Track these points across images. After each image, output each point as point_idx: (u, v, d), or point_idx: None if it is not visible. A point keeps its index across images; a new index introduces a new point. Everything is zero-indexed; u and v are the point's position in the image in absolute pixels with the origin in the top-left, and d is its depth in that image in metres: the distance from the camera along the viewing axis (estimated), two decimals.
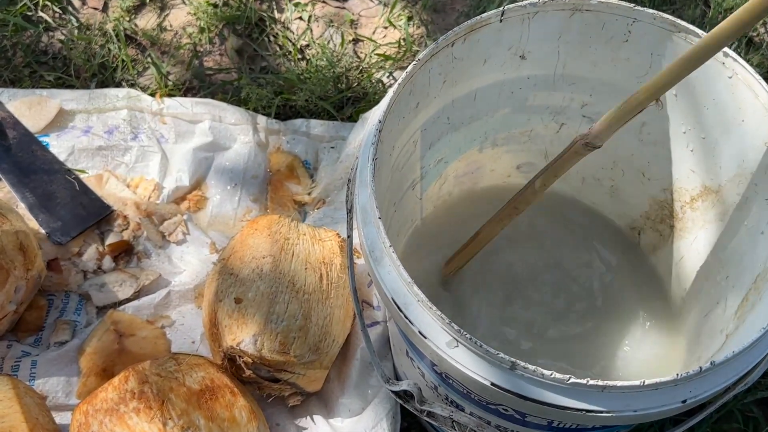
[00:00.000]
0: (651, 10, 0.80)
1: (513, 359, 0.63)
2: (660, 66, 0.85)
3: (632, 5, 0.81)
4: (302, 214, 1.26)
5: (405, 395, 0.84)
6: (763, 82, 0.76)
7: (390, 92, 0.77)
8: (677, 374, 0.63)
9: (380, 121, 0.74)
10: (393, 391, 0.84)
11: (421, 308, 0.67)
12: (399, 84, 0.76)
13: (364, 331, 0.87)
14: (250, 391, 1.00)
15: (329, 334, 0.98)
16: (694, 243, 0.95)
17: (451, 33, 0.80)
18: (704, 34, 0.79)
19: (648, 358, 1.00)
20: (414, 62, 0.78)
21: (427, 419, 0.83)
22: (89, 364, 1.05)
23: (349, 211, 0.83)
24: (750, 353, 0.66)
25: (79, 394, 1.03)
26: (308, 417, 1.03)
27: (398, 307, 0.68)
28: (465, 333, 0.64)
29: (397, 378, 1.03)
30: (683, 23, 0.80)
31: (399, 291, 0.69)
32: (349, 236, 0.84)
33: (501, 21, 0.82)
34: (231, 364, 0.97)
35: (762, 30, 1.46)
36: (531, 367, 0.63)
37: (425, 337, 0.67)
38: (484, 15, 0.80)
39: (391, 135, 0.80)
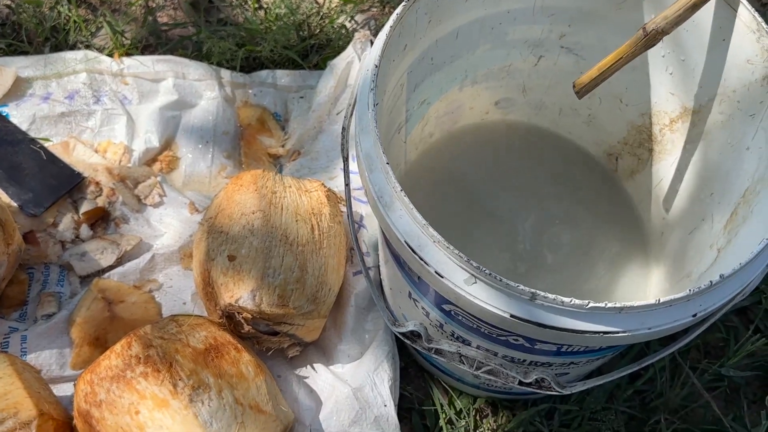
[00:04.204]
0: None
1: (533, 290, 0.65)
2: None
3: None
4: (277, 166, 1.24)
5: (412, 335, 0.86)
6: (744, 1, 0.77)
7: (382, 35, 0.76)
8: (690, 290, 0.65)
9: (376, 66, 0.73)
10: (400, 333, 0.86)
11: (437, 248, 0.68)
12: (390, 26, 0.76)
13: (367, 277, 0.88)
14: (249, 345, 1.00)
15: (325, 283, 0.99)
16: (674, 164, 0.97)
17: None
18: None
19: (629, 280, 1.03)
20: (403, 3, 0.77)
21: (435, 356, 0.85)
22: (81, 334, 1.03)
23: (345, 160, 0.83)
24: (753, 264, 0.68)
25: (74, 365, 1.02)
26: (309, 366, 1.04)
27: (412, 250, 0.69)
28: (484, 269, 0.66)
29: (395, 320, 1.04)
30: None
31: (413, 233, 0.69)
32: (346, 185, 0.84)
33: None
34: (229, 321, 0.97)
35: None
36: (551, 296, 0.65)
37: (442, 276, 0.68)
38: None
39: (384, 79, 0.79)
